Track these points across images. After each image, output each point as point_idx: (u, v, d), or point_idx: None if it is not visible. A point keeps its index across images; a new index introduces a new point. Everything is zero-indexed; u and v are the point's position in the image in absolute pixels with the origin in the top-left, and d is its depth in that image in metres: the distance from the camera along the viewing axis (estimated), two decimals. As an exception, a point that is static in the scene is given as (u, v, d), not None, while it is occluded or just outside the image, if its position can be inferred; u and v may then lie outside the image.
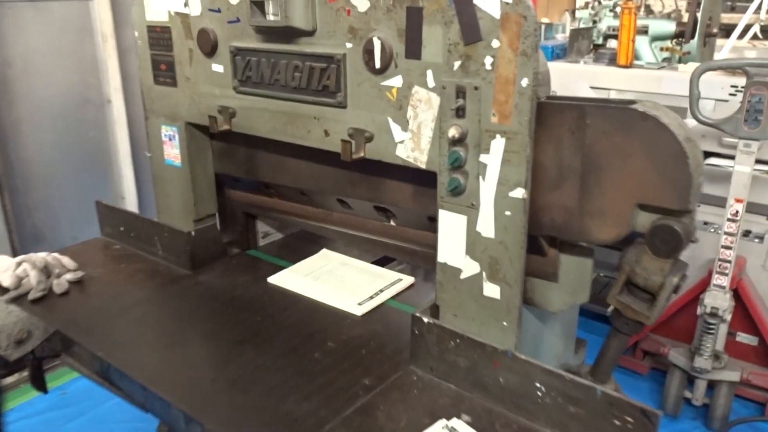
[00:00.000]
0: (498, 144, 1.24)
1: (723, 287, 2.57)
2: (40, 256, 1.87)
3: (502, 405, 1.32)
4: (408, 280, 1.88)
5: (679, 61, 3.47)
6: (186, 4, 1.73)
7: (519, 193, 1.25)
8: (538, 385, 1.26)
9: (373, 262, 2.03)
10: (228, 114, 1.73)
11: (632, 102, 1.21)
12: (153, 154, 2.04)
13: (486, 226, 1.31)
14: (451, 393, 1.38)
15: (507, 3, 1.18)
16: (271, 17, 1.49)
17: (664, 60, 3.54)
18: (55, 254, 1.91)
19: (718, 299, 2.58)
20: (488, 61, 1.23)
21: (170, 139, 1.95)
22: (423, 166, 1.38)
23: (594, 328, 3.62)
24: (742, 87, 2.36)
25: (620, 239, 1.25)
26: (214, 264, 2.01)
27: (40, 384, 1.89)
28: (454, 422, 1.26)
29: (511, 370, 1.29)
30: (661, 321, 3.02)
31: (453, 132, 1.27)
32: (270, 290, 1.86)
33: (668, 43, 3.54)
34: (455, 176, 1.32)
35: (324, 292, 1.81)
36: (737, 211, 2.49)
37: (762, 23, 4.57)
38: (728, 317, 2.62)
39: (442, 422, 1.26)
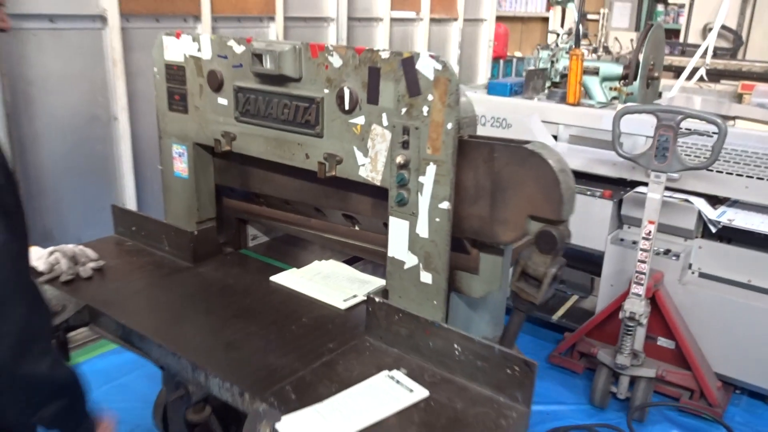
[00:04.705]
0: (431, 169, 1.70)
1: (639, 295, 3.06)
2: (69, 247, 2.29)
3: (431, 362, 1.76)
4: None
5: (625, 101, 3.97)
6: (199, 50, 2.18)
7: (445, 205, 1.71)
8: (456, 346, 1.70)
9: (344, 261, 2.46)
10: (229, 138, 2.18)
11: (527, 142, 1.67)
12: (164, 168, 2.47)
13: (422, 229, 1.76)
14: (394, 354, 1.82)
15: (438, 69, 1.65)
16: (267, 66, 1.95)
17: (612, 99, 4.02)
18: (81, 246, 2.33)
19: (635, 305, 3.06)
20: (425, 109, 1.70)
21: (179, 156, 2.39)
22: (378, 184, 1.84)
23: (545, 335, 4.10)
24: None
25: (517, 240, 1.71)
26: (212, 259, 2.44)
27: (64, 355, 2.29)
28: (394, 373, 1.70)
29: (438, 336, 1.73)
30: (593, 326, 3.50)
31: (400, 159, 1.73)
32: (260, 282, 2.29)
33: (616, 84, 4.02)
34: (401, 191, 1.77)
35: (312, 289, 2.17)
36: (650, 231, 2.97)
37: (707, 67, 5.12)
38: (644, 321, 3.10)
39: (385, 372, 1.70)
